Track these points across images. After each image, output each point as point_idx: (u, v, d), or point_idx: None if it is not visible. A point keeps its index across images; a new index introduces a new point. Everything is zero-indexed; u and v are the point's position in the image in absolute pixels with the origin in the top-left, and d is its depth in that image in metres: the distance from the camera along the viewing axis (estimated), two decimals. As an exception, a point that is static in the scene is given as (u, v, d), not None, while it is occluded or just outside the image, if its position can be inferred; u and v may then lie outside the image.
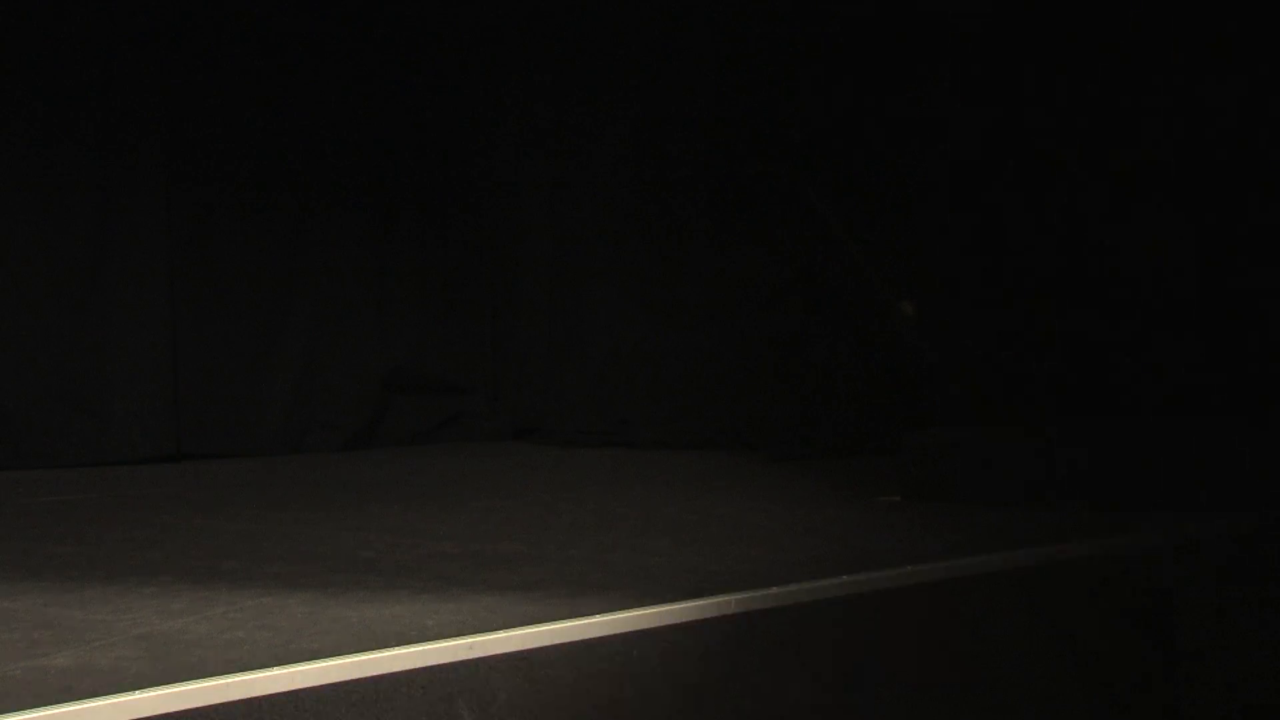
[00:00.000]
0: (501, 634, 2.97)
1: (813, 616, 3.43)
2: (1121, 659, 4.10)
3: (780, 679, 3.35)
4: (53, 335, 7.11)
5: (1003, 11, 6.63)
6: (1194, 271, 6.22)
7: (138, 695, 2.53)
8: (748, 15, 7.43)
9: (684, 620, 3.22)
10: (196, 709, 2.56)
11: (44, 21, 7.09)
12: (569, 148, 8.21)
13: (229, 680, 2.62)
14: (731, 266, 7.50)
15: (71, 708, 2.47)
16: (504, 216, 8.50)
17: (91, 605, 3.38)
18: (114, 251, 7.27)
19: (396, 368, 8.15)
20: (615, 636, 3.11)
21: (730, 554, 4.00)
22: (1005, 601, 3.87)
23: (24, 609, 3.35)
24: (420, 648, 2.86)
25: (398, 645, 2.86)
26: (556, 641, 3.02)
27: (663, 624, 3.18)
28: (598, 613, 3.15)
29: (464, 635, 2.94)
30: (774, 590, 3.40)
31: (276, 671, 2.68)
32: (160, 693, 2.55)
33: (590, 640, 3.07)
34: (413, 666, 2.82)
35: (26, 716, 2.42)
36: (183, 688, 2.57)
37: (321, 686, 2.71)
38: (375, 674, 2.77)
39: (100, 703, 2.49)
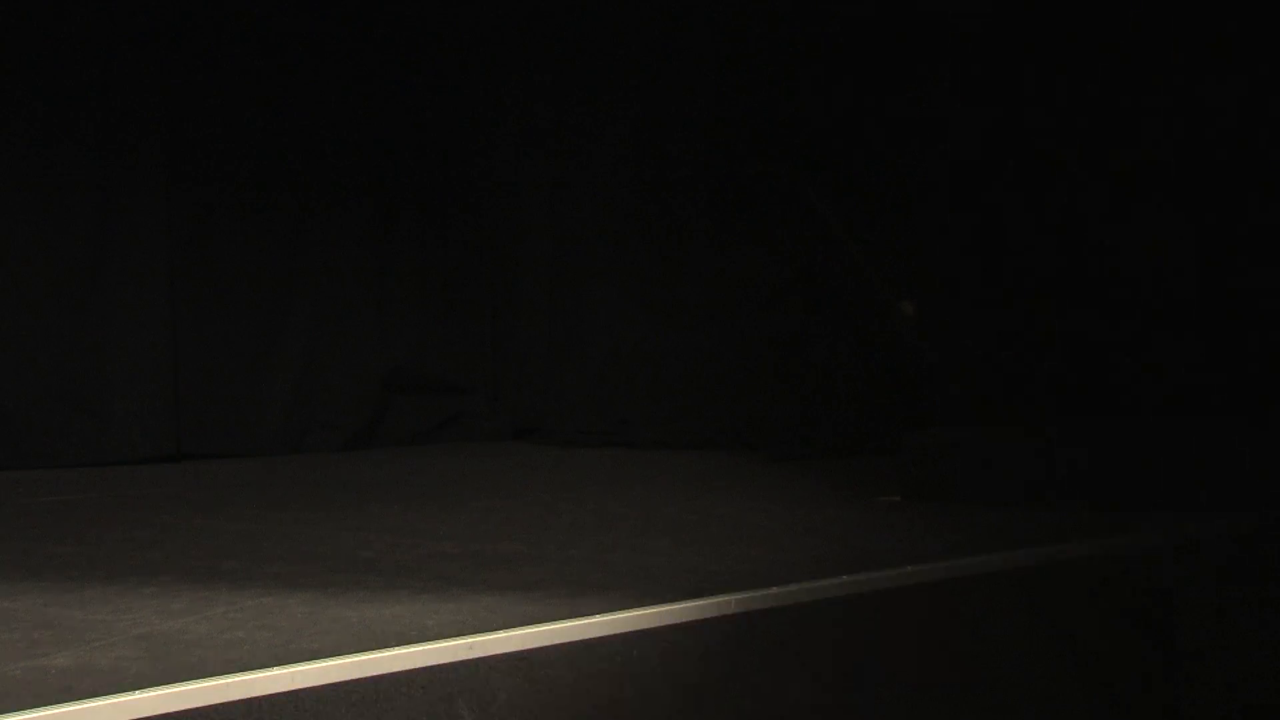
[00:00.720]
0: (501, 634, 2.97)
1: (813, 616, 3.43)
2: (1121, 659, 4.10)
3: (780, 679, 3.35)
4: (53, 335, 7.11)
5: (1003, 11, 6.63)
6: (1194, 271, 6.22)
7: (138, 695, 2.53)
8: (748, 15, 7.43)
9: (684, 620, 3.22)
10: (196, 709, 2.56)
11: (44, 21, 7.09)
12: (569, 148, 8.21)
13: (229, 680, 2.62)
14: (731, 266, 7.50)
15: (71, 708, 2.47)
16: (504, 216, 8.50)
17: (91, 605, 3.38)
18: (114, 251, 7.27)
19: (396, 368, 8.15)
20: (615, 636, 3.11)
21: (730, 554, 4.00)
22: (1005, 601, 3.87)
23: (24, 609, 3.35)
24: (420, 648, 2.86)
25: (398, 645, 2.86)
26: (556, 641, 3.02)
27: (663, 624, 3.18)
28: (598, 613, 3.15)
29: (464, 635, 2.94)
30: (774, 590, 3.40)
31: (276, 671, 2.68)
32: (160, 693, 2.55)
33: (590, 640, 3.07)
34: (413, 666, 2.82)
35: (26, 716, 2.42)
36: (183, 688, 2.57)
37: (321, 686, 2.71)
38: (375, 674, 2.77)
39: (100, 703, 2.49)
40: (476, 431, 8.35)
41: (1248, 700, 4.39)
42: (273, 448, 7.62)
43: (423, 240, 8.32)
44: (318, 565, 3.93)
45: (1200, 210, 6.17)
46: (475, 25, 8.43)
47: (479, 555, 4.05)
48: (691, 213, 7.69)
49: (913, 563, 3.75)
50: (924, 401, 6.56)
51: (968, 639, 3.75)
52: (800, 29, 7.29)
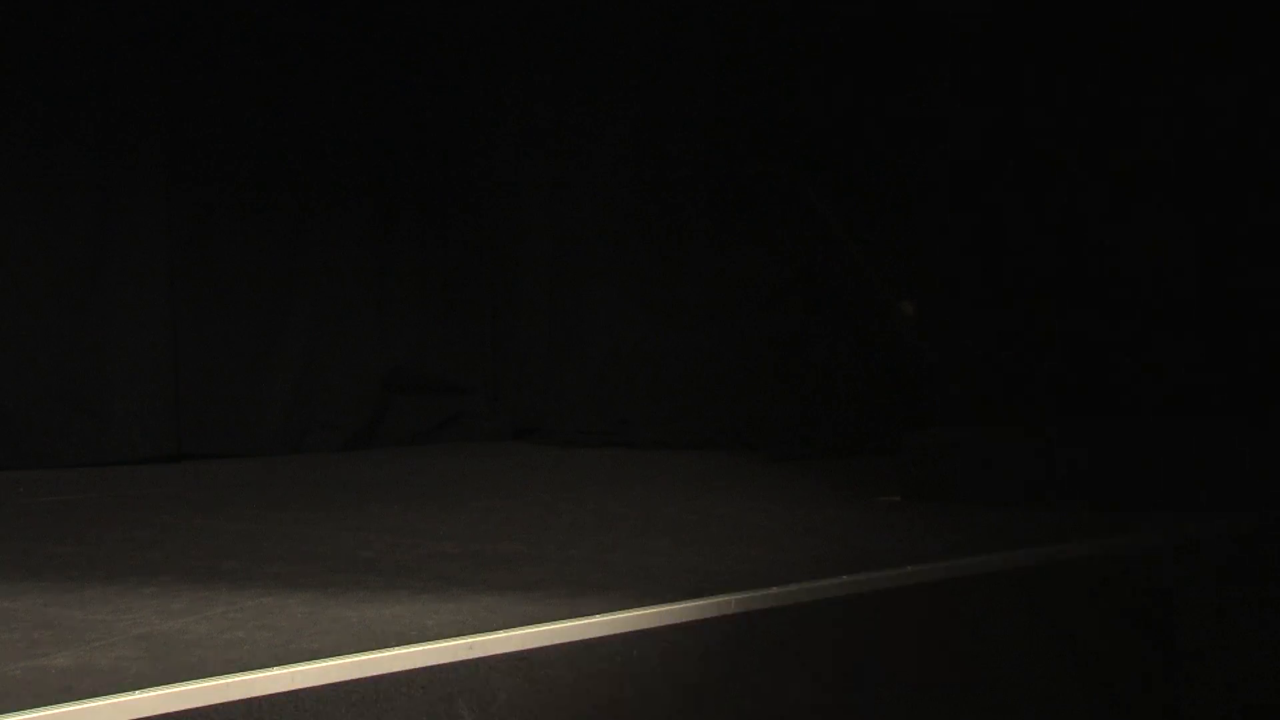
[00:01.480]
0: (501, 634, 2.97)
1: (813, 616, 3.43)
2: (1121, 659, 4.10)
3: (780, 679, 3.35)
4: (53, 335, 7.11)
5: (1003, 11, 6.63)
6: (1194, 271, 6.22)
7: (138, 695, 2.53)
8: (748, 15, 7.43)
9: (684, 620, 3.22)
10: (196, 709, 2.56)
11: (44, 21, 7.09)
12: (569, 148, 8.21)
13: (229, 680, 2.62)
14: (731, 266, 7.50)
15: (71, 708, 2.47)
16: (504, 216, 8.50)
17: (91, 605, 3.38)
18: (114, 251, 7.27)
19: (396, 368, 8.14)
20: (615, 636, 3.11)
21: (730, 554, 4.00)
22: (1005, 601, 3.87)
23: (24, 609, 3.35)
24: (420, 648, 2.86)
25: (398, 645, 2.86)
26: (556, 641, 3.02)
27: (663, 624, 3.18)
28: (598, 613, 3.15)
29: (464, 635, 2.94)
30: (774, 590, 3.40)
31: (276, 671, 2.68)
32: (160, 693, 2.55)
33: (590, 640, 3.07)
34: (413, 666, 2.82)
35: (26, 716, 2.42)
36: (183, 688, 2.57)
37: (321, 686, 2.71)
38: (375, 674, 2.77)
39: (100, 703, 2.49)
40: (476, 431, 8.35)
41: (1248, 700, 4.39)
42: (273, 448, 7.61)
43: (423, 240, 8.31)
44: (318, 565, 3.93)
45: (1200, 210, 6.17)
46: (475, 25, 8.43)
47: (479, 555, 4.05)
48: (691, 213, 7.69)
49: (913, 563, 3.75)
50: (924, 401, 6.56)
51: (968, 639, 3.75)
52: (800, 29, 7.29)
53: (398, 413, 8.12)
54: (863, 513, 4.94)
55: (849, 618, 3.50)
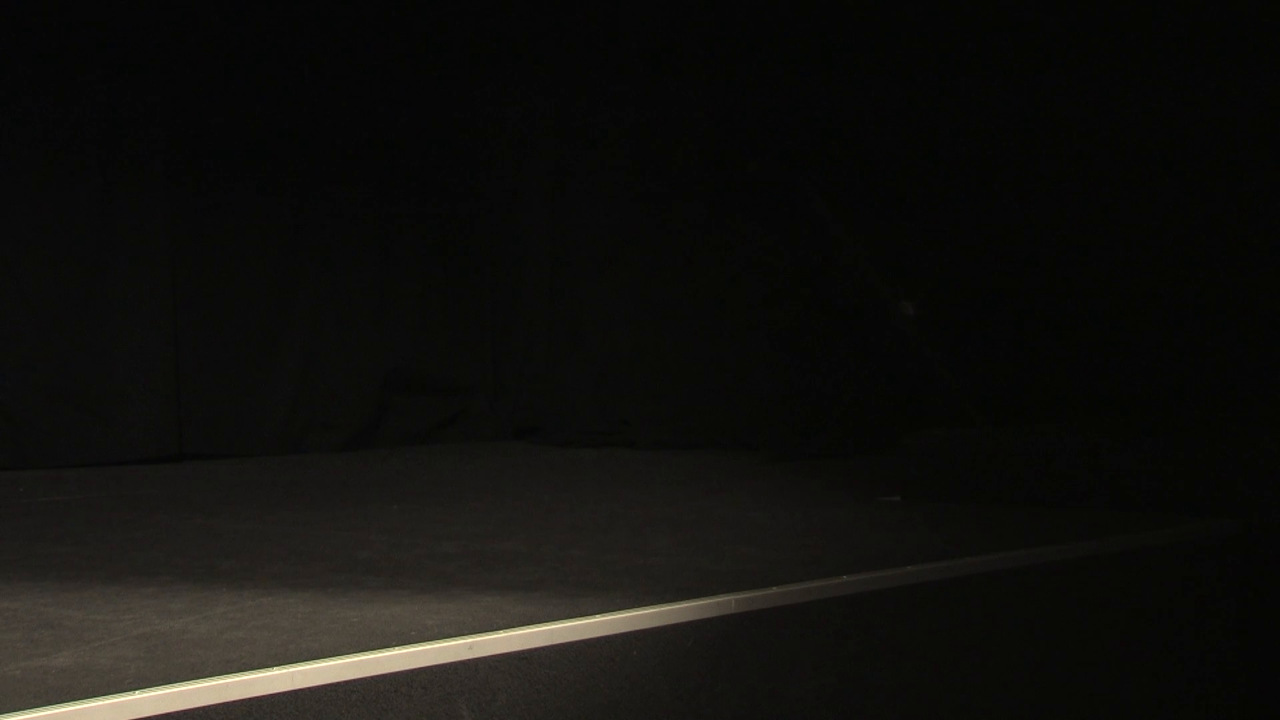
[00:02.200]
0: (501, 634, 2.96)
1: (813, 616, 3.43)
2: (1121, 659, 4.10)
3: (780, 679, 3.35)
4: (54, 335, 7.11)
5: (1003, 12, 6.64)
6: (1193, 273, 6.23)
7: (138, 695, 2.53)
8: (748, 15, 7.43)
9: (684, 620, 3.22)
10: (196, 709, 2.56)
11: (45, 21, 7.09)
12: (569, 148, 8.21)
13: (229, 680, 2.62)
14: (731, 267, 7.50)
15: (71, 708, 2.47)
16: (504, 217, 8.50)
17: (91, 605, 3.38)
18: (115, 252, 7.27)
19: (396, 368, 8.15)
20: (615, 636, 3.11)
21: (730, 554, 4.00)
22: (1005, 601, 3.87)
23: (24, 609, 3.35)
24: (420, 648, 2.86)
25: (398, 645, 2.86)
26: (556, 641, 3.02)
27: (663, 624, 3.18)
28: (598, 613, 3.15)
29: (464, 635, 2.94)
30: (774, 590, 3.40)
31: (276, 671, 2.68)
32: (160, 693, 2.55)
33: (590, 640, 3.07)
34: (413, 666, 2.82)
35: (26, 716, 2.42)
36: (183, 688, 2.57)
37: (321, 686, 2.71)
38: (375, 674, 2.77)
39: (100, 703, 2.49)
40: (476, 431, 8.35)
41: (1248, 700, 4.39)
42: (273, 448, 7.62)
43: (423, 241, 8.32)
44: (318, 565, 3.93)
45: (1200, 210, 6.17)
46: (475, 25, 8.43)
47: (479, 555, 4.05)
48: (691, 213, 7.70)
49: (913, 563, 3.75)
50: (924, 401, 6.56)
51: (968, 639, 3.75)
52: (800, 29, 7.29)
53: (398, 413, 8.12)
54: (863, 513, 4.94)
55: (849, 618, 3.50)
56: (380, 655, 2.80)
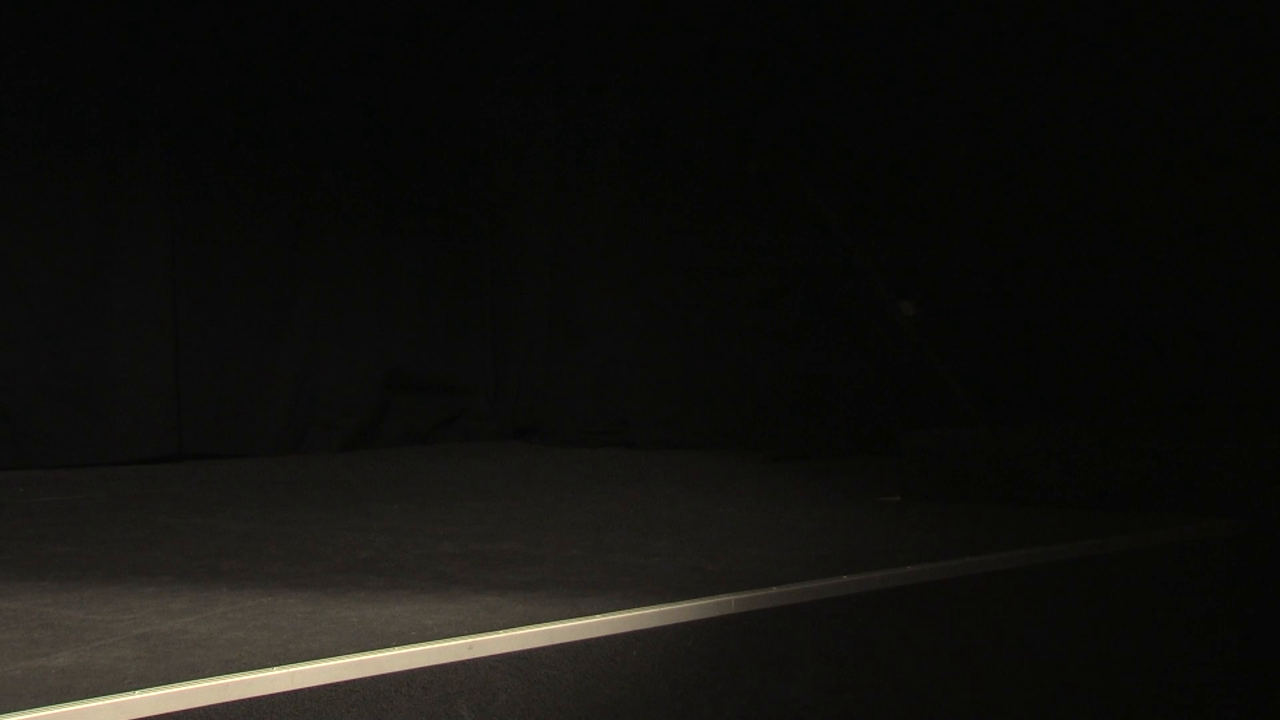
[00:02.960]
0: (501, 634, 2.97)
1: (813, 616, 3.43)
2: (1121, 659, 4.10)
3: (780, 679, 3.35)
4: (54, 335, 7.11)
5: (1003, 13, 6.63)
6: (1193, 272, 6.23)
7: (138, 695, 2.53)
8: (747, 15, 7.43)
9: (684, 620, 3.22)
10: (196, 709, 2.56)
11: (46, 22, 7.09)
12: (569, 148, 8.21)
13: (229, 680, 2.62)
14: (731, 267, 7.50)
15: (71, 708, 2.47)
16: (504, 217, 8.50)
17: (91, 605, 3.38)
18: (115, 252, 7.27)
19: (396, 368, 8.15)
20: (615, 636, 3.11)
21: (730, 554, 4.00)
22: (1005, 601, 3.87)
23: (24, 609, 3.35)
24: (420, 648, 2.86)
25: (398, 645, 2.86)
26: (556, 641, 3.02)
27: (663, 624, 3.18)
28: (598, 613, 3.15)
29: (464, 635, 2.94)
30: (774, 590, 3.40)
31: (276, 671, 2.68)
32: (160, 693, 2.55)
33: (590, 640, 3.07)
34: (413, 666, 2.82)
35: (26, 716, 2.42)
36: (183, 688, 2.57)
37: (321, 686, 2.71)
38: (375, 674, 2.77)
39: (100, 703, 2.49)
40: (476, 431, 8.35)
41: (1248, 699, 4.39)
42: (273, 448, 7.62)
43: (423, 241, 8.32)
44: (318, 565, 3.93)
45: (1199, 211, 6.17)
46: (476, 25, 8.43)
47: (479, 555, 4.05)
48: (691, 213, 7.69)
49: (913, 563, 3.75)
50: (924, 401, 6.56)
51: (968, 639, 3.75)
52: (800, 29, 7.29)
53: (398, 413, 8.12)
54: (863, 513, 4.94)
55: (849, 618, 3.50)
56: (380, 655, 2.80)
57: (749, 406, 7.40)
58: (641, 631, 3.15)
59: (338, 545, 4.31)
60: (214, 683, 2.60)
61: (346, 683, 2.74)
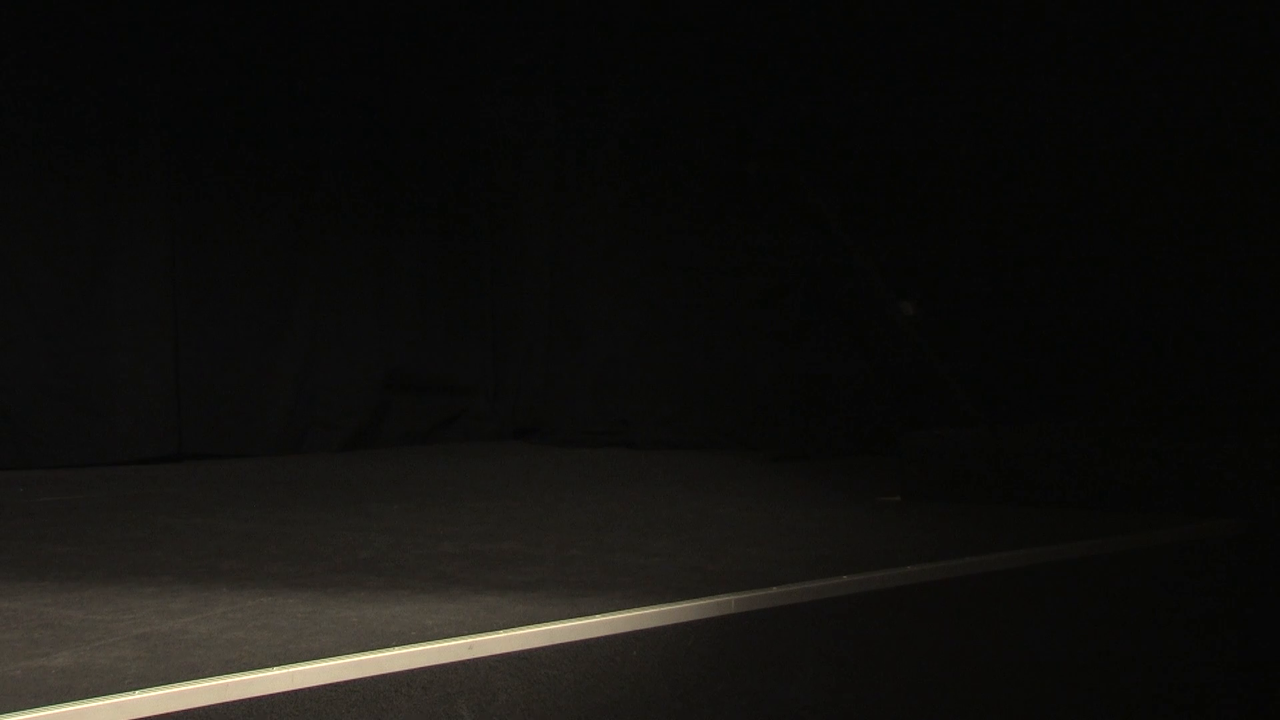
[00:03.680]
0: (501, 634, 2.97)
1: (813, 616, 3.43)
2: (1121, 659, 4.10)
3: (780, 679, 3.35)
4: (54, 335, 7.11)
5: (1003, 13, 6.63)
6: (1194, 272, 6.23)
7: (138, 695, 2.53)
8: (747, 15, 7.43)
9: (684, 620, 3.22)
10: (196, 709, 2.56)
11: (46, 22, 7.09)
12: (569, 148, 8.21)
13: (229, 680, 2.62)
14: (731, 266, 7.50)
15: (71, 708, 2.47)
16: (504, 217, 8.50)
17: (91, 605, 3.38)
18: (115, 252, 7.27)
19: (396, 368, 8.15)
20: (615, 636, 3.11)
21: (730, 554, 4.00)
22: (1005, 601, 3.87)
23: (24, 609, 3.35)
24: (420, 648, 2.86)
25: (398, 645, 2.86)
26: (556, 641, 3.02)
27: (663, 624, 3.18)
28: (598, 613, 3.15)
29: (464, 635, 2.94)
30: (774, 590, 3.40)
31: (276, 671, 2.68)
32: (160, 693, 2.55)
33: (590, 640, 3.07)
34: (413, 666, 2.82)
35: (26, 716, 2.42)
36: (183, 688, 2.57)
37: (321, 686, 2.71)
38: (375, 674, 2.77)
39: (100, 703, 2.49)
40: (476, 431, 8.35)
41: (1248, 698, 4.39)
42: (273, 448, 7.62)
43: (423, 241, 8.32)
44: (318, 565, 3.93)
45: (1199, 211, 6.17)
46: (476, 25, 8.43)
47: (479, 555, 4.05)
48: (691, 213, 7.69)
49: (913, 563, 3.75)
50: (924, 401, 6.56)
51: (968, 639, 3.75)
52: (800, 29, 7.29)
53: (398, 413, 8.12)
54: (863, 513, 4.94)
55: (849, 618, 3.50)
56: (380, 655, 2.80)
57: (749, 406, 7.40)
58: (641, 631, 3.15)
59: (338, 545, 4.31)
60: (214, 683, 2.60)
61: (346, 683, 2.74)
